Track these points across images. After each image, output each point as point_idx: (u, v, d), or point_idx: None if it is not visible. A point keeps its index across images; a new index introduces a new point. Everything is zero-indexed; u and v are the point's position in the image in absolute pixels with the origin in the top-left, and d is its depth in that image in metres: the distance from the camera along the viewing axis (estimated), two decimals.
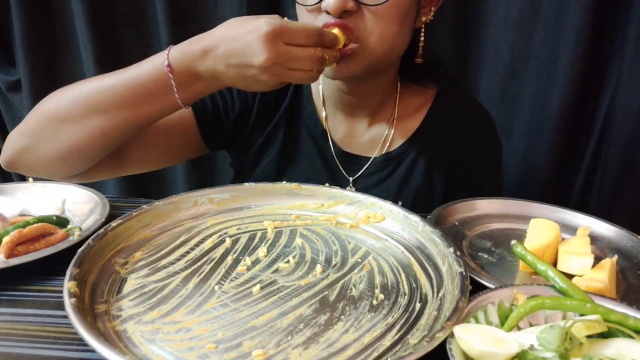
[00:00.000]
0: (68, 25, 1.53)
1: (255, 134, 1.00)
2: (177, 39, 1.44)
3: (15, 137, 0.80)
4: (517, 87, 1.45)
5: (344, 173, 1.00)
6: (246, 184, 0.84)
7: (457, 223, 0.83)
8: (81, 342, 0.48)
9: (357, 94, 0.95)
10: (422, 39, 0.91)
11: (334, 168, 1.00)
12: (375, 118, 1.00)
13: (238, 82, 0.72)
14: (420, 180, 0.98)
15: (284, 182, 0.85)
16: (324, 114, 1.00)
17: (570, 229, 0.82)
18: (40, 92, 1.56)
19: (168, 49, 0.73)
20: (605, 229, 0.82)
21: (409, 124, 1.00)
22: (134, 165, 0.90)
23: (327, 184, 0.85)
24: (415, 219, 0.75)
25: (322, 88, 1.00)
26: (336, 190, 0.84)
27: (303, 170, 1.00)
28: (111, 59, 1.52)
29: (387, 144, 0.99)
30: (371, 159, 0.99)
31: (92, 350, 0.47)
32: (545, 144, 1.46)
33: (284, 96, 1.00)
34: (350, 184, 1.00)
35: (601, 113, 1.42)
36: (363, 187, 0.99)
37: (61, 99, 0.77)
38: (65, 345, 0.53)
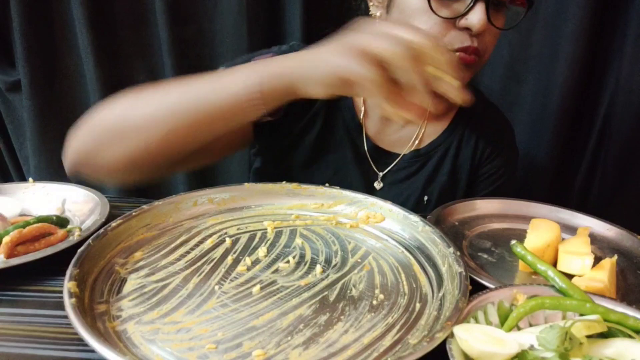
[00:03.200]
0: (68, 25, 1.53)
1: (296, 121, 1.01)
2: (177, 39, 1.46)
3: (80, 142, 0.77)
4: (516, 87, 1.45)
5: (374, 167, 1.03)
6: (246, 184, 0.84)
7: (457, 223, 0.83)
8: (81, 342, 0.48)
9: None
10: None
11: (364, 162, 1.02)
12: None
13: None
14: (446, 178, 1.02)
15: (284, 182, 0.85)
16: (362, 108, 1.02)
17: (571, 229, 0.82)
18: (40, 92, 1.56)
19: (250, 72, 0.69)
20: (605, 229, 0.82)
21: (438, 125, 1.04)
22: (187, 165, 0.89)
23: (327, 184, 0.85)
24: (415, 219, 0.75)
25: None
26: (336, 191, 0.84)
27: (333, 161, 1.02)
28: (111, 60, 1.52)
29: (417, 142, 1.03)
30: (400, 155, 1.02)
31: (92, 351, 0.47)
32: (545, 144, 1.46)
33: None
34: (379, 179, 1.02)
35: (601, 113, 1.42)
36: (391, 181, 1.02)
37: (132, 107, 0.75)
38: (65, 345, 0.53)
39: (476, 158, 1.03)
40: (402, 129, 1.03)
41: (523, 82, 1.44)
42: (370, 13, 0.92)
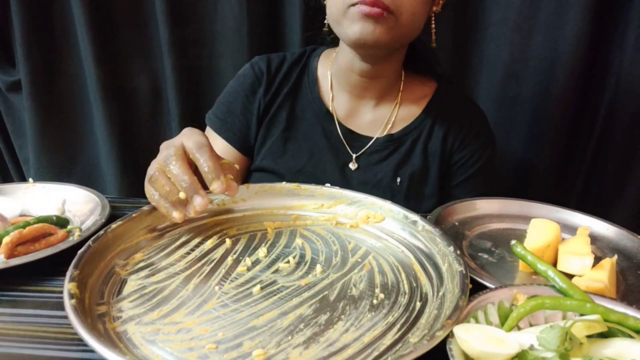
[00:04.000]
0: (68, 25, 1.52)
1: (263, 117, 1.08)
2: (177, 39, 1.46)
3: None
4: (517, 87, 1.45)
5: (349, 150, 1.06)
6: (246, 184, 0.84)
7: (457, 223, 0.83)
8: (81, 342, 0.48)
9: (367, 74, 1.01)
10: (433, 26, 1.00)
11: (338, 145, 1.06)
12: (380, 101, 1.07)
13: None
14: (418, 161, 1.05)
15: (284, 182, 0.85)
16: (330, 95, 1.07)
17: (571, 229, 0.82)
18: (40, 92, 1.56)
19: None
20: (605, 229, 0.82)
21: (410, 110, 1.08)
22: None
23: (327, 184, 0.85)
24: (415, 218, 0.75)
25: (330, 73, 1.07)
26: (336, 191, 0.84)
27: (307, 149, 1.07)
28: (111, 60, 1.52)
29: (390, 126, 1.06)
30: (374, 139, 1.06)
31: (92, 351, 0.47)
32: (545, 144, 1.46)
33: (287, 82, 1.08)
34: (354, 159, 1.06)
35: (600, 113, 1.42)
36: (365, 163, 1.06)
37: None
38: (65, 345, 0.53)
39: (447, 145, 1.07)
40: (373, 112, 1.07)
41: (523, 81, 1.44)
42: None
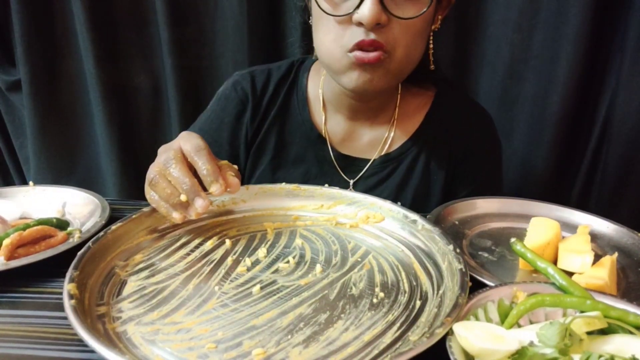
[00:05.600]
0: (68, 25, 1.53)
1: (251, 144, 1.02)
2: (177, 39, 1.46)
3: None
4: (517, 87, 1.45)
5: (344, 176, 1.00)
6: (245, 185, 0.84)
7: (457, 222, 0.83)
8: (81, 343, 0.48)
9: (361, 98, 0.95)
10: (431, 46, 0.91)
11: (332, 172, 1.00)
12: (376, 120, 1.00)
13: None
14: (419, 180, 0.99)
15: (284, 183, 0.85)
16: (323, 117, 1.00)
17: (571, 227, 0.82)
18: (40, 92, 1.57)
19: None
20: (606, 227, 0.82)
21: (408, 125, 1.00)
22: None
23: (326, 185, 0.85)
24: (414, 217, 0.75)
25: (322, 92, 1.00)
26: (336, 191, 0.84)
27: (299, 175, 1.01)
28: (111, 60, 1.52)
29: (387, 145, 1.00)
30: (371, 161, 1.00)
31: (92, 351, 0.47)
32: (545, 144, 1.46)
33: (274, 103, 1.01)
34: (351, 187, 1.00)
35: (601, 113, 1.42)
36: (363, 188, 1.00)
37: None
38: (65, 346, 0.54)
39: (452, 158, 1.00)
40: (369, 133, 1.00)
41: (524, 81, 1.44)
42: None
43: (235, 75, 1.04)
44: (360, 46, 0.78)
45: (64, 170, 1.68)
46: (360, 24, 0.77)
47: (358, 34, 0.78)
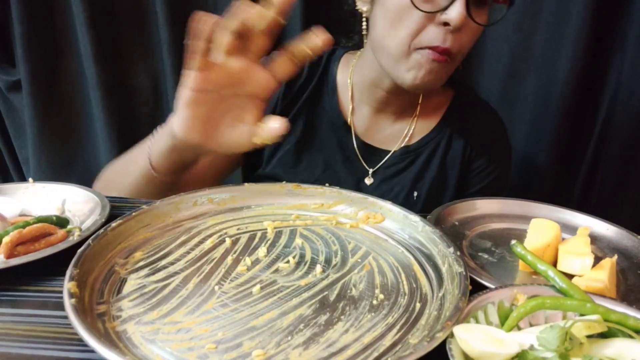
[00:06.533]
0: (68, 25, 1.53)
1: None
2: (177, 39, 1.46)
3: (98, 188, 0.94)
4: (517, 86, 1.45)
5: (364, 164, 1.04)
6: (246, 184, 0.84)
7: (457, 223, 0.83)
8: (81, 342, 0.48)
9: (395, 92, 0.98)
10: None
11: (354, 159, 1.04)
12: (401, 114, 1.05)
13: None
14: (435, 173, 1.03)
15: (284, 182, 0.85)
16: (350, 107, 1.03)
17: (571, 229, 0.82)
18: (40, 92, 1.56)
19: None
20: (606, 229, 0.82)
21: (428, 121, 1.06)
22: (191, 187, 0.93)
23: (327, 184, 0.85)
24: (415, 219, 0.75)
25: (351, 82, 1.03)
26: (336, 191, 0.84)
27: (321, 160, 1.04)
28: (111, 59, 1.52)
29: (407, 138, 1.05)
30: (391, 152, 1.04)
31: (92, 351, 0.47)
32: (546, 144, 1.46)
33: (305, 88, 1.04)
34: (370, 175, 1.04)
35: (601, 113, 1.42)
36: (381, 178, 1.04)
37: (107, 185, 0.95)
38: (65, 345, 0.53)
39: (466, 154, 1.04)
40: (392, 126, 1.04)
41: (524, 81, 1.44)
42: (356, 8, 0.94)
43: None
44: (435, 50, 0.83)
45: (64, 169, 1.68)
46: (445, 24, 0.81)
47: (436, 36, 0.82)
